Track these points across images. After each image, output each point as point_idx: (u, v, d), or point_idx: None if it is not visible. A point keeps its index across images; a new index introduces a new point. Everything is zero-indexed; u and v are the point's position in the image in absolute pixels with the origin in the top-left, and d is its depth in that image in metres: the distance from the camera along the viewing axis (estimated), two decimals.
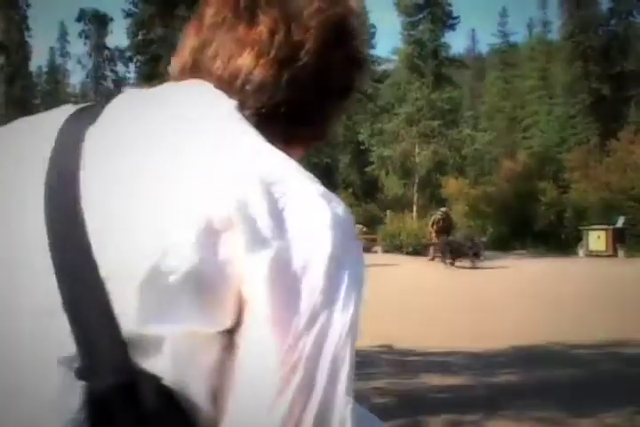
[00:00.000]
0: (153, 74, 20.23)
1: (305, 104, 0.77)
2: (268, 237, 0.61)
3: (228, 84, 0.74)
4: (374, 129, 37.30)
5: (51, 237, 0.63)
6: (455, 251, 19.02)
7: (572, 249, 24.27)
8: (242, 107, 0.72)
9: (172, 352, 0.60)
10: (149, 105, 0.72)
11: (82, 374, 0.60)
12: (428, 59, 34.11)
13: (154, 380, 0.60)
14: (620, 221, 23.13)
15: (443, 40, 35.19)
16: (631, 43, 39.12)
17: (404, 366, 6.17)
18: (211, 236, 0.60)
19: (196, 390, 0.61)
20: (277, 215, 0.62)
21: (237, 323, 0.62)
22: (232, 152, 0.65)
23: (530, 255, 23.67)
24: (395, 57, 39.00)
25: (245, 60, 0.74)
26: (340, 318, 0.62)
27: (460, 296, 11.75)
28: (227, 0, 0.77)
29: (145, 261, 0.60)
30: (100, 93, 49.21)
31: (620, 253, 21.95)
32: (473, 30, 75.33)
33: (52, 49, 62.65)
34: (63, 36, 62.41)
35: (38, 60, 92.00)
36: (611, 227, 22.71)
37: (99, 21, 47.08)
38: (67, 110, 0.75)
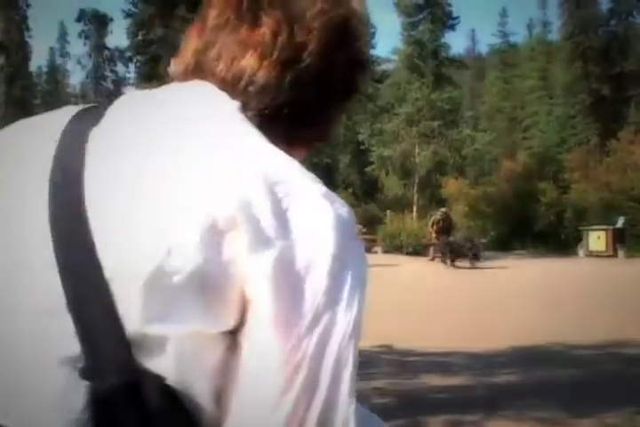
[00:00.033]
0: (153, 74, 20.22)
1: (308, 105, 0.77)
2: (271, 237, 0.61)
3: (231, 86, 0.74)
4: (374, 129, 37.28)
5: (55, 237, 0.63)
6: (455, 251, 19.03)
7: (572, 249, 24.27)
8: (245, 108, 0.72)
9: (175, 352, 0.60)
10: (152, 106, 0.73)
11: (86, 373, 0.60)
12: (428, 59, 34.11)
13: (157, 380, 0.60)
14: (620, 222, 23.13)
15: (443, 40, 35.19)
16: (631, 43, 39.11)
17: (404, 366, 6.17)
18: (215, 236, 0.60)
19: (200, 390, 0.61)
20: (281, 215, 0.62)
21: (241, 323, 0.62)
22: (235, 152, 0.65)
23: (530, 255, 23.66)
24: (395, 57, 39.02)
25: (248, 61, 0.74)
26: (344, 319, 0.62)
27: (460, 296, 11.75)
28: (229, 2, 0.77)
29: (149, 261, 0.60)
30: (99, 94, 49.22)
31: (620, 253, 21.95)
32: (473, 30, 75.50)
33: (51, 49, 62.73)
34: (63, 36, 62.44)
35: (38, 61, 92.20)
36: (611, 227, 22.71)
37: (98, 22, 47.10)
38: (69, 111, 0.75)
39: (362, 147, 39.44)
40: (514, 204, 28.19)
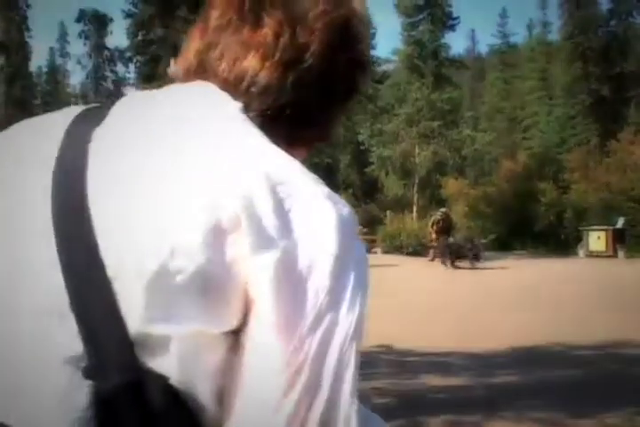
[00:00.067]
0: (153, 74, 20.22)
1: (309, 106, 0.77)
2: (274, 238, 0.61)
3: (233, 87, 0.74)
4: (374, 129, 37.26)
5: (58, 237, 0.64)
6: (455, 252, 19.03)
7: (572, 250, 24.27)
8: (247, 108, 0.73)
9: (178, 352, 0.61)
10: (154, 106, 0.73)
11: (89, 373, 0.60)
12: (427, 59, 34.11)
13: (160, 379, 0.60)
14: (620, 222, 23.13)
15: (443, 41, 35.19)
16: (631, 43, 39.13)
17: (403, 366, 6.17)
18: (218, 236, 0.60)
19: (202, 390, 0.62)
20: (283, 216, 0.62)
21: (243, 323, 0.62)
22: (237, 152, 0.66)
23: (530, 256, 23.66)
24: (395, 58, 39.01)
25: (251, 62, 0.74)
26: (346, 319, 0.62)
27: (460, 297, 11.75)
28: (231, 2, 0.77)
29: (152, 261, 0.60)
30: (99, 94, 49.23)
31: (620, 253, 21.95)
32: (473, 31, 75.48)
33: (51, 49, 62.72)
34: (63, 36, 62.43)
35: (38, 61, 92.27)
36: (611, 227, 22.72)
37: (98, 22, 47.11)
38: (71, 112, 0.75)
39: (362, 147, 39.44)
40: (514, 204, 28.18)
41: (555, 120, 41.57)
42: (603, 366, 6.10)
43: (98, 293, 0.61)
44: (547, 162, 31.97)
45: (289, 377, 0.60)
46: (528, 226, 27.24)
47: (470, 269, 18.14)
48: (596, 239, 22.85)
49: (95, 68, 52.60)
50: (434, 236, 20.69)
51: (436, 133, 33.34)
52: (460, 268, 18.49)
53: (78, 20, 46.13)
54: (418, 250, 23.34)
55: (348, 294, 0.63)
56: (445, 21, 34.97)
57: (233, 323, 0.62)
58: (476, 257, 18.82)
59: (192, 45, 0.80)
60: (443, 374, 5.73)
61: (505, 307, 10.19)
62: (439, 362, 6.30)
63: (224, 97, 0.73)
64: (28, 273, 0.64)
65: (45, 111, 0.80)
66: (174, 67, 0.81)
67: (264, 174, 0.63)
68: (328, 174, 34.11)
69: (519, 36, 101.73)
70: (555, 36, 48.82)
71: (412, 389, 5.29)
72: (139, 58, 25.60)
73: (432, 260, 20.56)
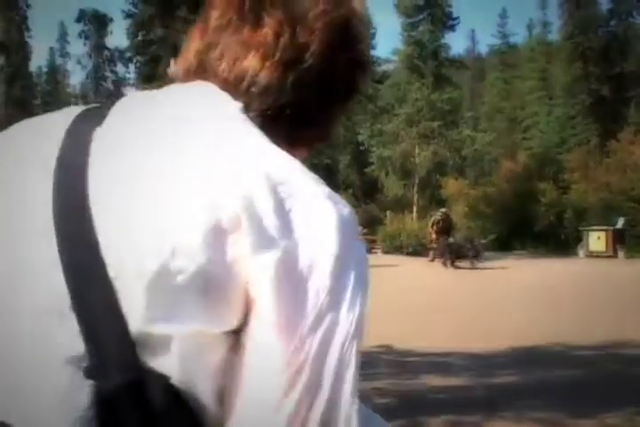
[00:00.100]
0: (153, 75, 20.23)
1: (309, 106, 0.77)
2: (274, 238, 0.61)
3: (233, 87, 0.75)
4: (374, 130, 37.27)
5: (59, 236, 0.64)
6: (455, 252, 19.02)
7: (572, 250, 24.28)
8: (247, 108, 0.73)
9: (179, 352, 0.61)
10: (155, 106, 0.73)
11: (90, 373, 0.60)
12: (427, 59, 34.11)
13: (161, 379, 0.60)
14: (620, 222, 23.13)
15: (442, 41, 35.19)
16: (631, 44, 39.14)
17: (403, 366, 6.17)
18: (218, 236, 0.60)
19: (203, 390, 0.62)
20: (284, 216, 0.62)
21: (244, 323, 0.62)
22: (237, 152, 0.66)
23: (530, 256, 23.66)
24: (395, 58, 39.02)
25: (251, 62, 0.74)
26: (346, 319, 0.62)
27: (460, 297, 11.75)
28: (231, 2, 0.77)
29: (153, 261, 0.60)
30: (99, 94, 49.24)
31: (620, 253, 21.96)
32: (473, 31, 75.47)
33: (51, 49, 62.73)
34: (63, 36, 62.44)
35: (38, 61, 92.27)
36: (611, 228, 22.72)
37: (98, 22, 47.12)
38: (72, 112, 0.75)
39: (362, 147, 39.45)
40: (514, 204, 28.17)
41: (555, 120, 41.58)
42: (603, 366, 6.10)
43: (99, 292, 0.61)
44: (547, 162, 31.97)
45: (289, 377, 0.60)
46: (528, 226, 27.24)
47: (470, 269, 18.15)
48: (596, 239, 22.85)
49: (95, 69, 52.61)
50: (434, 236, 20.69)
51: (436, 134, 33.34)
52: (460, 268, 18.49)
53: (78, 20, 46.17)
54: (418, 250, 23.34)
55: (348, 294, 0.63)
56: (445, 21, 34.97)
57: (234, 323, 0.62)
58: (477, 257, 18.82)
59: (192, 45, 0.80)
60: (443, 375, 5.73)
61: (505, 307, 10.19)
62: (439, 362, 6.30)
63: (224, 97, 0.73)
64: (28, 273, 0.64)
65: (45, 111, 0.80)
66: (174, 67, 0.81)
67: (264, 174, 0.63)
68: (328, 175, 34.09)
69: (519, 36, 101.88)
70: (555, 36, 48.90)
71: (413, 389, 5.29)
72: (139, 58, 25.62)
73: (432, 260, 20.55)
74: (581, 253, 23.08)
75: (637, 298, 10.48)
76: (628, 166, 25.72)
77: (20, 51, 35.39)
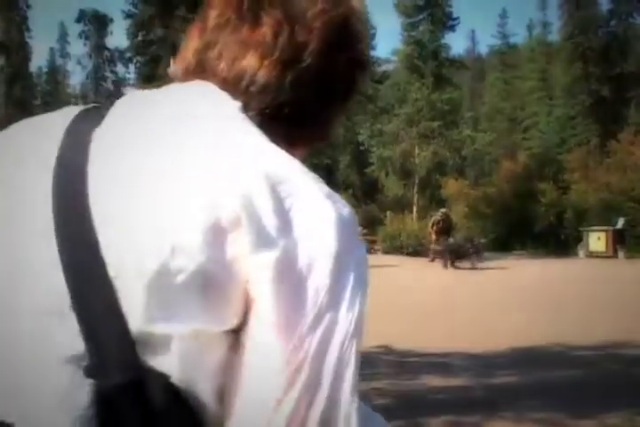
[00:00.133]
0: (153, 75, 20.23)
1: (308, 105, 0.77)
2: (274, 237, 0.61)
3: (232, 86, 0.75)
4: (374, 130, 37.28)
5: (58, 236, 0.64)
6: (455, 252, 19.02)
7: (572, 250, 24.28)
8: (246, 108, 0.73)
9: (179, 351, 0.61)
10: (154, 106, 0.73)
11: (90, 372, 0.60)
12: (427, 60, 34.13)
13: (161, 378, 0.60)
14: (620, 223, 23.13)
15: (443, 41, 35.22)
16: (631, 44, 39.15)
17: (403, 366, 6.17)
18: (218, 235, 0.61)
19: (203, 389, 0.62)
20: (283, 215, 0.62)
21: (244, 322, 0.62)
22: (236, 151, 0.66)
23: (530, 256, 23.66)
24: (395, 58, 39.04)
25: (250, 61, 0.75)
26: (346, 318, 0.62)
27: (460, 297, 11.75)
28: (230, 2, 0.77)
29: (153, 261, 0.60)
30: (99, 94, 49.24)
31: (621, 254, 21.96)
32: (473, 31, 75.51)
33: (52, 50, 62.73)
34: (63, 36, 62.46)
35: (38, 61, 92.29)
36: (611, 228, 22.72)
37: (99, 22, 47.14)
38: (71, 111, 0.75)
39: (362, 148, 39.46)
40: (514, 204, 28.17)
41: (555, 120, 41.59)
42: (603, 367, 6.10)
43: (99, 292, 0.61)
44: (547, 162, 31.97)
45: (289, 376, 0.60)
46: (528, 226, 27.24)
47: (470, 269, 18.14)
48: (597, 240, 22.85)
49: (95, 69, 52.62)
50: (434, 236, 20.68)
51: (436, 134, 33.35)
52: (460, 268, 18.48)
53: (78, 21, 46.18)
54: (418, 250, 23.34)
55: (347, 293, 0.63)
56: (445, 22, 34.98)
57: (233, 322, 0.62)
58: (478, 253, 18.82)
59: (190, 45, 0.80)
60: (442, 375, 5.73)
61: (505, 307, 10.19)
62: (439, 362, 6.29)
63: (223, 96, 0.73)
64: (28, 273, 0.64)
65: (45, 112, 0.80)
66: (173, 66, 0.81)
67: (264, 173, 0.63)
68: (328, 175, 34.12)
69: (519, 36, 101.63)
70: (555, 36, 48.92)
71: (412, 389, 5.29)
72: (139, 58, 25.64)
73: (432, 260, 20.55)
74: (581, 253, 23.08)
75: (637, 298, 10.48)
76: (628, 167, 25.71)
77: (21, 51, 35.40)
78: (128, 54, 29.26)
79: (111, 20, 46.31)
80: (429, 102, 33.23)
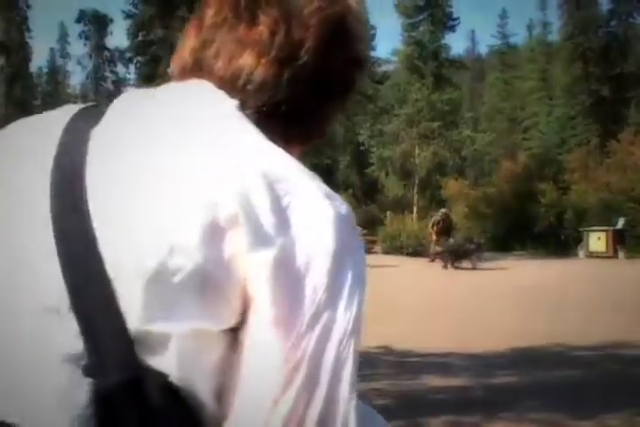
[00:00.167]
0: (153, 75, 20.24)
1: (305, 103, 0.77)
2: (271, 236, 0.61)
3: (229, 84, 0.75)
4: (374, 130, 37.31)
5: (57, 235, 0.64)
6: (454, 253, 19.01)
7: (572, 250, 24.28)
8: (243, 106, 0.73)
9: (177, 350, 0.61)
10: (151, 105, 0.73)
11: (89, 371, 0.60)
12: (428, 60, 34.13)
13: (160, 377, 0.60)
14: (621, 223, 23.13)
15: (443, 41, 35.24)
16: (631, 44, 39.16)
17: (403, 367, 6.17)
18: (216, 234, 0.61)
19: (202, 388, 0.62)
20: (281, 213, 0.62)
21: (242, 321, 0.62)
22: (234, 150, 0.66)
23: (530, 256, 23.65)
24: (395, 58, 39.07)
25: (246, 60, 0.75)
26: (344, 316, 0.62)
27: (460, 297, 11.75)
28: (227, 0, 0.78)
29: (151, 260, 0.60)
30: (100, 94, 49.24)
31: (621, 254, 21.96)
32: (473, 31, 75.57)
33: (52, 50, 62.77)
34: (63, 37, 62.49)
35: (38, 61, 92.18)
36: (611, 228, 22.72)
37: (99, 22, 47.15)
38: (69, 110, 0.75)
39: (362, 148, 39.49)
40: (514, 204, 28.16)
41: (555, 121, 41.59)
42: (603, 367, 6.10)
43: (97, 291, 0.61)
44: (547, 162, 31.96)
45: (287, 374, 0.60)
46: (528, 227, 27.23)
47: (470, 269, 18.14)
48: (597, 240, 22.84)
49: (95, 69, 52.64)
50: (434, 237, 20.67)
51: (436, 134, 33.35)
52: (459, 268, 18.48)
53: (78, 21, 46.18)
54: (418, 251, 23.33)
55: (345, 292, 0.63)
56: (445, 22, 35.00)
57: (232, 321, 0.62)
58: (478, 251, 18.81)
59: (187, 44, 0.80)
60: (442, 375, 5.73)
61: (505, 308, 10.19)
62: (439, 363, 6.29)
63: (220, 95, 0.73)
64: (27, 272, 0.65)
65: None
66: (172, 66, 0.82)
67: (261, 172, 0.63)
68: (328, 175, 34.12)
69: (519, 36, 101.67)
70: (555, 36, 48.90)
71: (412, 389, 5.29)
72: (139, 58, 25.64)
73: (432, 261, 20.53)
74: (581, 253, 23.08)
75: (637, 298, 10.48)
76: (629, 167, 25.70)
77: (21, 51, 35.39)
78: (128, 54, 29.27)
79: (111, 21, 46.36)
80: (429, 103, 33.23)
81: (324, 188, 0.66)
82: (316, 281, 0.62)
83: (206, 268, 0.60)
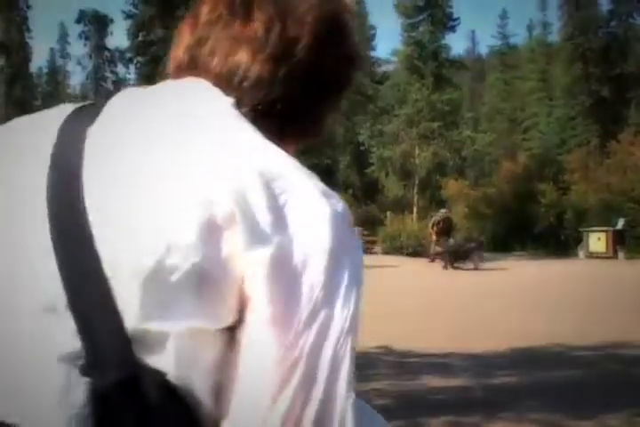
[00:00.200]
0: (153, 75, 20.24)
1: (301, 101, 0.77)
2: (268, 234, 0.61)
3: (226, 81, 0.75)
4: (374, 130, 37.30)
5: (54, 235, 0.64)
6: (454, 253, 19.00)
7: (572, 251, 24.27)
8: (239, 104, 0.73)
9: (175, 349, 0.61)
10: (148, 103, 0.73)
11: (86, 370, 0.60)
12: (428, 60, 34.12)
13: (157, 376, 0.60)
14: (621, 223, 23.13)
15: (443, 42, 35.21)
16: (631, 44, 39.14)
17: (403, 367, 6.16)
18: (213, 233, 0.61)
19: (199, 386, 0.62)
20: (278, 211, 0.62)
21: (239, 319, 0.62)
22: (230, 148, 0.66)
23: (530, 257, 23.65)
24: (395, 58, 39.07)
25: (242, 57, 0.75)
26: (341, 315, 0.62)
27: (460, 297, 11.75)
28: None
29: (148, 259, 0.60)
30: (100, 95, 49.16)
31: (621, 254, 21.95)
32: (473, 32, 75.68)
33: (52, 50, 62.74)
34: (63, 37, 62.47)
35: (39, 62, 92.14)
36: (611, 229, 22.72)
37: (99, 23, 47.10)
38: (66, 109, 0.75)
39: (362, 148, 39.48)
40: (514, 205, 28.16)
41: (555, 121, 41.58)
42: (602, 367, 6.10)
43: (95, 290, 0.61)
44: (547, 163, 31.95)
45: (285, 372, 0.60)
46: (528, 227, 27.22)
47: (470, 270, 18.13)
48: (597, 240, 22.84)
49: (95, 69, 52.60)
50: (434, 237, 20.67)
51: (436, 134, 33.34)
52: (459, 268, 18.47)
53: (79, 21, 46.12)
54: (418, 251, 23.33)
55: (342, 289, 0.63)
56: (445, 22, 34.98)
57: (229, 319, 0.62)
58: (478, 257, 18.80)
59: (182, 41, 0.80)
60: (442, 375, 5.72)
61: (505, 308, 10.18)
62: (439, 363, 6.29)
63: (216, 93, 0.73)
64: (26, 272, 0.64)
65: None
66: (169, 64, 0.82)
67: (258, 170, 0.63)
68: (328, 175, 34.11)
69: (519, 37, 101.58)
70: (555, 37, 48.88)
71: (412, 390, 5.29)
72: (139, 59, 25.66)
73: (432, 261, 20.53)
74: (581, 254, 23.08)
75: (637, 299, 10.48)
76: (629, 167, 25.69)
77: (21, 51, 35.38)
78: (128, 55, 29.27)
79: (111, 21, 46.28)
80: (429, 103, 33.22)
81: (321, 186, 0.66)
82: (312, 279, 0.62)
83: (203, 266, 0.60)
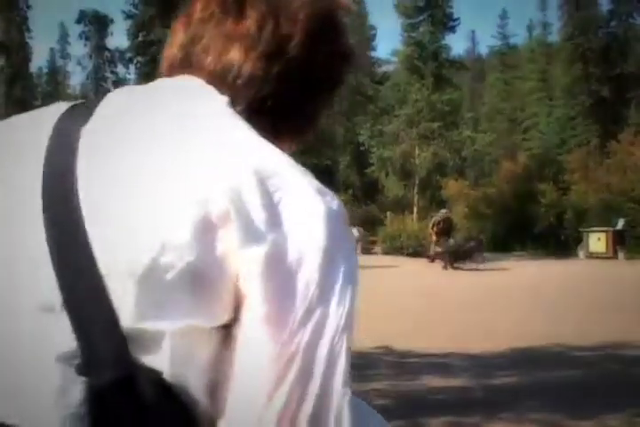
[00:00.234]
0: (153, 75, 20.20)
1: (293, 98, 0.78)
2: (263, 231, 0.61)
3: (220, 79, 0.75)
4: (374, 130, 37.30)
5: (49, 234, 0.64)
6: (454, 253, 18.99)
7: (572, 251, 24.26)
8: (233, 102, 0.73)
9: (170, 347, 0.61)
10: (141, 102, 0.73)
11: (82, 369, 0.60)
12: (428, 60, 34.12)
13: (153, 374, 0.60)
14: (621, 223, 23.12)
15: (443, 42, 35.22)
16: (631, 44, 39.15)
17: (403, 367, 6.16)
18: (207, 231, 0.60)
19: (195, 384, 0.62)
20: (272, 209, 0.62)
21: (235, 318, 0.62)
22: (224, 146, 0.66)
23: (530, 257, 23.64)
24: (395, 59, 39.08)
25: (234, 54, 0.75)
26: (336, 312, 0.62)
27: (460, 298, 11.74)
28: None
29: (143, 258, 0.60)
30: (100, 95, 49.09)
31: (621, 254, 21.95)
32: (473, 32, 75.55)
33: (52, 50, 62.74)
34: (64, 37, 62.47)
35: (39, 62, 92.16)
36: (611, 229, 22.71)
37: (99, 23, 47.09)
38: (60, 108, 0.75)
39: (362, 148, 39.49)
40: (514, 205, 28.16)
41: (555, 121, 41.58)
42: (603, 367, 6.09)
43: (90, 289, 0.61)
44: (547, 163, 31.96)
45: (280, 370, 0.60)
46: (528, 227, 27.22)
47: (470, 270, 18.13)
48: (597, 241, 22.84)
49: (95, 69, 52.60)
50: (434, 237, 20.66)
51: (437, 134, 33.35)
52: (460, 269, 18.47)
53: (79, 21, 46.12)
54: (418, 251, 23.32)
55: (337, 287, 0.63)
56: (446, 22, 34.98)
57: (224, 317, 0.62)
58: (478, 257, 18.79)
59: (175, 39, 0.80)
60: (442, 376, 5.72)
61: (505, 308, 10.18)
62: (439, 363, 6.29)
63: (211, 91, 0.73)
64: (25, 271, 0.64)
65: None
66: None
67: (252, 168, 0.63)
68: (328, 175, 34.10)
69: (519, 37, 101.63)
70: (555, 37, 48.87)
71: (412, 390, 5.29)
72: (139, 59, 25.66)
73: (432, 261, 20.53)
74: (581, 254, 23.08)
75: (637, 299, 10.48)
76: (629, 167, 25.69)
77: (21, 51, 35.39)
78: (128, 55, 29.28)
79: (111, 21, 46.24)
80: (429, 103, 33.22)
81: (316, 183, 0.66)
82: (307, 277, 0.62)
83: (198, 265, 0.60)
